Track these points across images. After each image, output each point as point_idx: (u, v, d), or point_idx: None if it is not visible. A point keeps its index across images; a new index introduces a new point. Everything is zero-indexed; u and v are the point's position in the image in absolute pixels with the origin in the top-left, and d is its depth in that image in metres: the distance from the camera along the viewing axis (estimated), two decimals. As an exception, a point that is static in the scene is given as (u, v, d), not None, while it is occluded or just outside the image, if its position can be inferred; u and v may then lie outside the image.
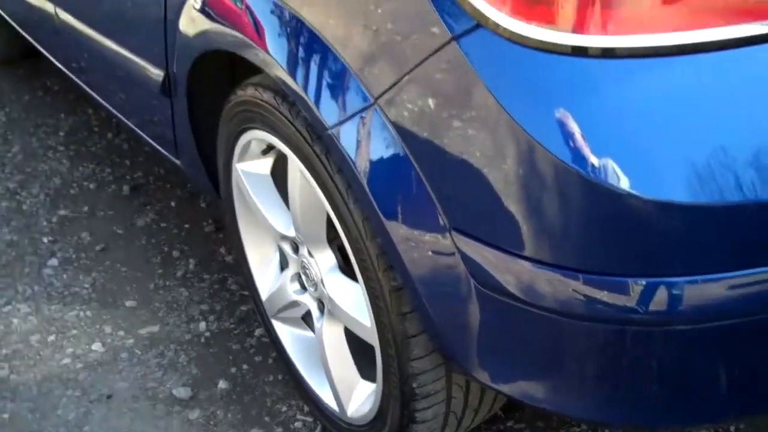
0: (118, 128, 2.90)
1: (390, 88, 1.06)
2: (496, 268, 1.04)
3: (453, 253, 1.08)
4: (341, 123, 1.14)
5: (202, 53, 1.48)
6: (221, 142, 1.60)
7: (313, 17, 1.15)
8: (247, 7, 1.31)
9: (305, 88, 1.18)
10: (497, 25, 0.93)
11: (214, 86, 1.60)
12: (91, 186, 2.57)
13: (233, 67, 1.55)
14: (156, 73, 1.71)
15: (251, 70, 1.40)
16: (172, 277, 2.13)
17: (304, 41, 1.19)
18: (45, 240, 2.33)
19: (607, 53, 0.92)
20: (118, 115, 2.18)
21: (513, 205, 0.99)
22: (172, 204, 2.45)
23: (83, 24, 2.03)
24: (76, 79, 2.43)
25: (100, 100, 2.27)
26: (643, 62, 0.93)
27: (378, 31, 1.04)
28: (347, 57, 1.10)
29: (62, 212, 2.45)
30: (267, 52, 1.26)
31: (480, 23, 0.94)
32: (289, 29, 1.23)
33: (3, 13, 3.09)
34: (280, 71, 1.25)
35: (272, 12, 1.26)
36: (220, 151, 1.62)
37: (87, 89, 2.35)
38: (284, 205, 1.53)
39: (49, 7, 2.27)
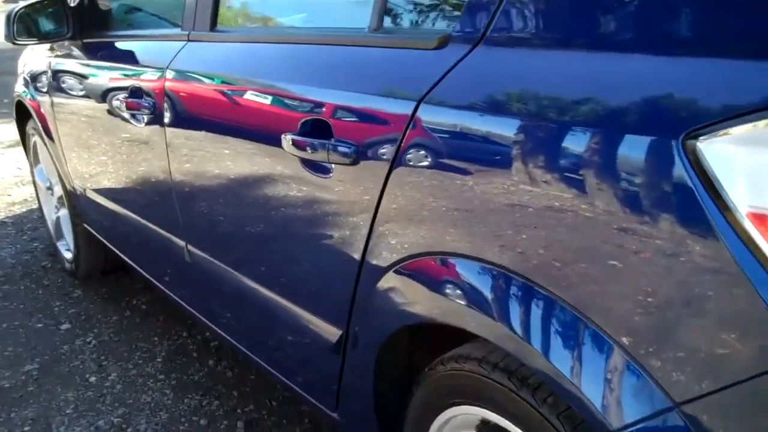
0: (218, 354, 2.80)
1: (702, 396, 0.97)
2: None
3: None
4: (627, 427, 1.04)
5: (408, 326, 1.40)
6: (414, 410, 1.50)
7: (587, 308, 1.08)
8: (469, 281, 1.24)
9: (579, 386, 1.09)
10: None
11: (399, 347, 1.52)
12: (202, 421, 2.44)
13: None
14: (329, 330, 1.64)
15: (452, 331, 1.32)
16: None
17: (569, 328, 1.11)
18: (161, 487, 2.18)
19: None
20: (245, 350, 2.09)
21: None
22: (294, 443, 2.31)
23: (230, 267, 1.97)
24: (188, 306, 2.37)
25: (222, 333, 2.19)
26: None
27: (687, 334, 0.97)
28: (638, 356, 1.02)
29: (175, 453, 2.30)
30: (509, 327, 1.18)
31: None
32: (537, 305, 1.15)
33: (91, 229, 3.08)
34: (528, 353, 1.16)
35: (509, 285, 1.19)
36: (410, 419, 1.52)
37: (204, 319, 2.27)
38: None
39: (177, 242, 2.23)
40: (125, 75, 2.35)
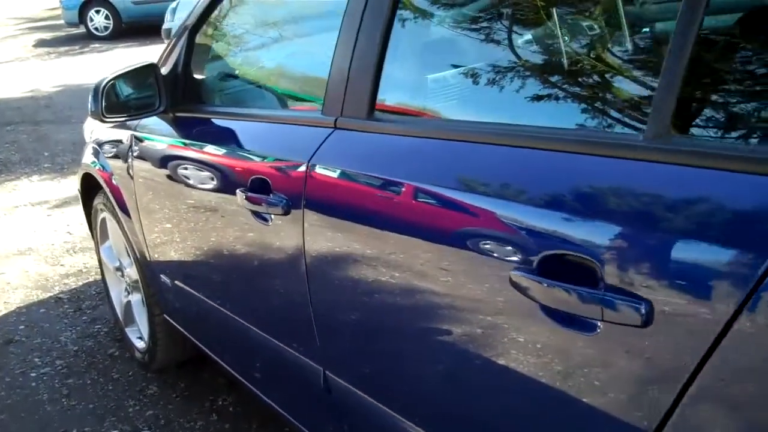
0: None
1: None
2: None
3: None
4: None
5: None
6: None
7: None
8: None
9: None
10: None
11: None
12: None
13: None
14: None
15: None
16: None
17: None
18: None
19: None
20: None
21: None
22: None
23: (395, 412, 1.59)
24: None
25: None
26: None
27: None
28: None
29: None
30: None
31: None
32: None
33: (176, 324, 2.72)
34: None
35: None
36: None
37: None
38: None
39: (310, 365, 1.86)
40: (240, 161, 1.99)
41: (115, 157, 2.78)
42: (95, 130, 3.18)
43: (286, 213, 1.76)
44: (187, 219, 2.32)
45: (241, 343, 2.25)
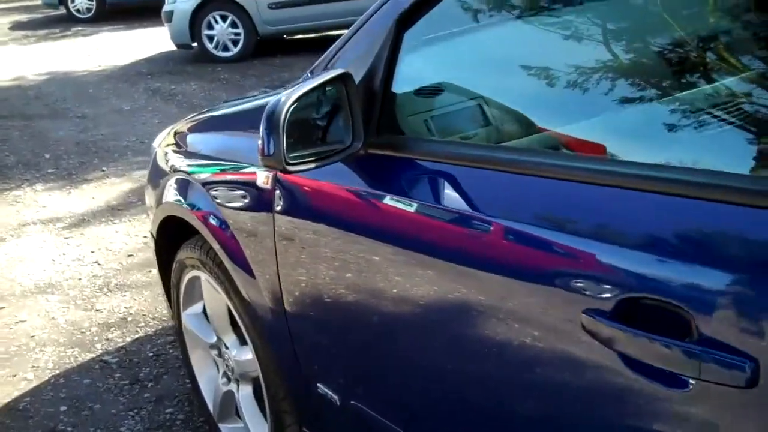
0: None
1: None
2: None
3: None
4: None
5: None
6: None
7: None
8: None
9: None
10: None
11: None
12: None
13: None
14: None
15: None
16: None
17: None
18: None
19: None
20: None
21: None
22: None
23: None
24: None
25: None
26: None
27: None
28: None
29: None
30: None
31: None
32: None
33: None
34: None
35: None
36: None
37: None
38: None
39: None
40: (568, 254, 1.13)
41: (237, 198, 1.91)
42: (176, 154, 2.30)
43: (751, 384, 0.91)
44: (404, 315, 1.45)
45: None
